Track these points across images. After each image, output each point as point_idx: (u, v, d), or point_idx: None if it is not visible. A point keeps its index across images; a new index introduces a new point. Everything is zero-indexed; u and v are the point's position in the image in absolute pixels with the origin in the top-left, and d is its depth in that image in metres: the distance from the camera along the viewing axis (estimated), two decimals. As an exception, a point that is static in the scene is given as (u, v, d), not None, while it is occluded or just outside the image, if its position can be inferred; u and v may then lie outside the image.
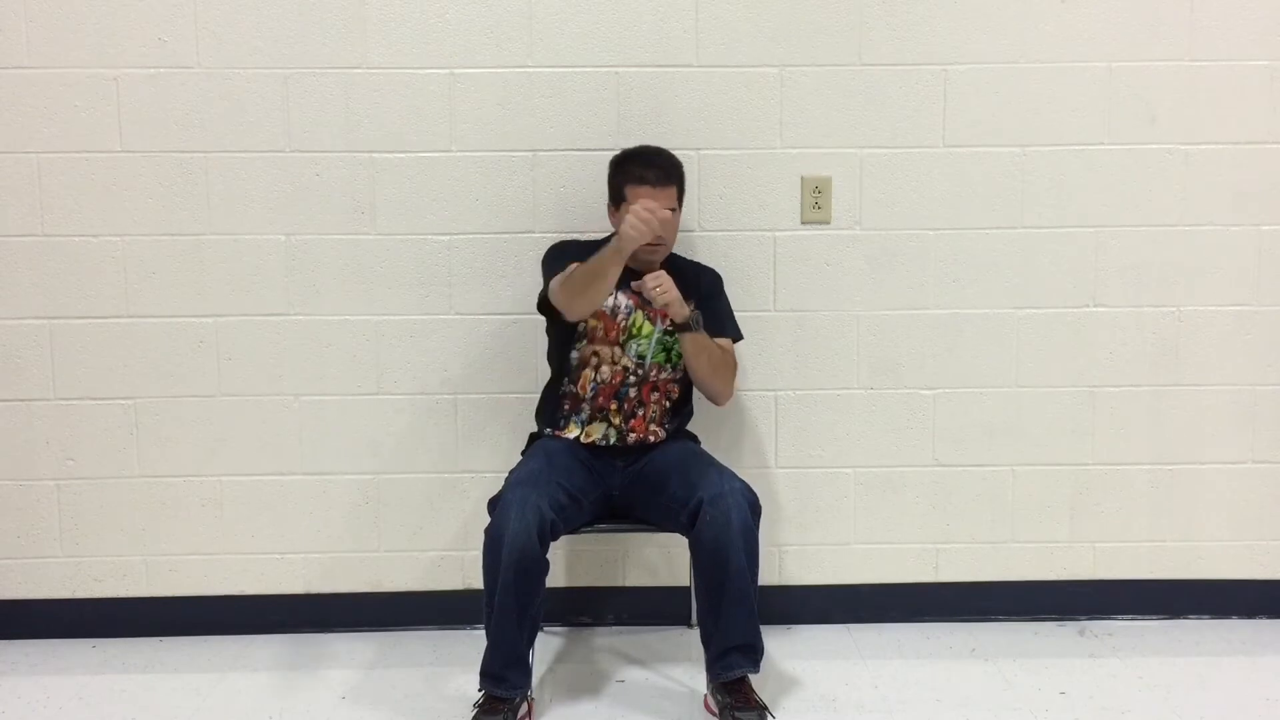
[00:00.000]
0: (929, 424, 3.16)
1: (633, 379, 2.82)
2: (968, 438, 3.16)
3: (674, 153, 2.86)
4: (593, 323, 2.81)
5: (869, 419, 3.16)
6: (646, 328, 2.81)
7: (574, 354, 2.84)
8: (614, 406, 2.82)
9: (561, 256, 2.80)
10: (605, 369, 2.82)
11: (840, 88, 3.05)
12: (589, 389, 2.82)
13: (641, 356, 2.81)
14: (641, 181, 2.74)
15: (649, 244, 2.64)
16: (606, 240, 2.66)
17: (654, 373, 2.83)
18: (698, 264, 2.99)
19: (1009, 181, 3.08)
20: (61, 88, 2.98)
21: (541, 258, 2.87)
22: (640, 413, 2.83)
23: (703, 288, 2.89)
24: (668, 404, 2.87)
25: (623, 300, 2.81)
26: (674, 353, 2.83)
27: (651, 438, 2.84)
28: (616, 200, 2.80)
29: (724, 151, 3.06)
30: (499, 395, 3.10)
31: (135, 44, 2.97)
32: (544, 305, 2.79)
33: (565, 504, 2.63)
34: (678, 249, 2.94)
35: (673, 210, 2.76)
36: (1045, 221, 3.10)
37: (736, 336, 2.92)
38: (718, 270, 2.98)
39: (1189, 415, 3.17)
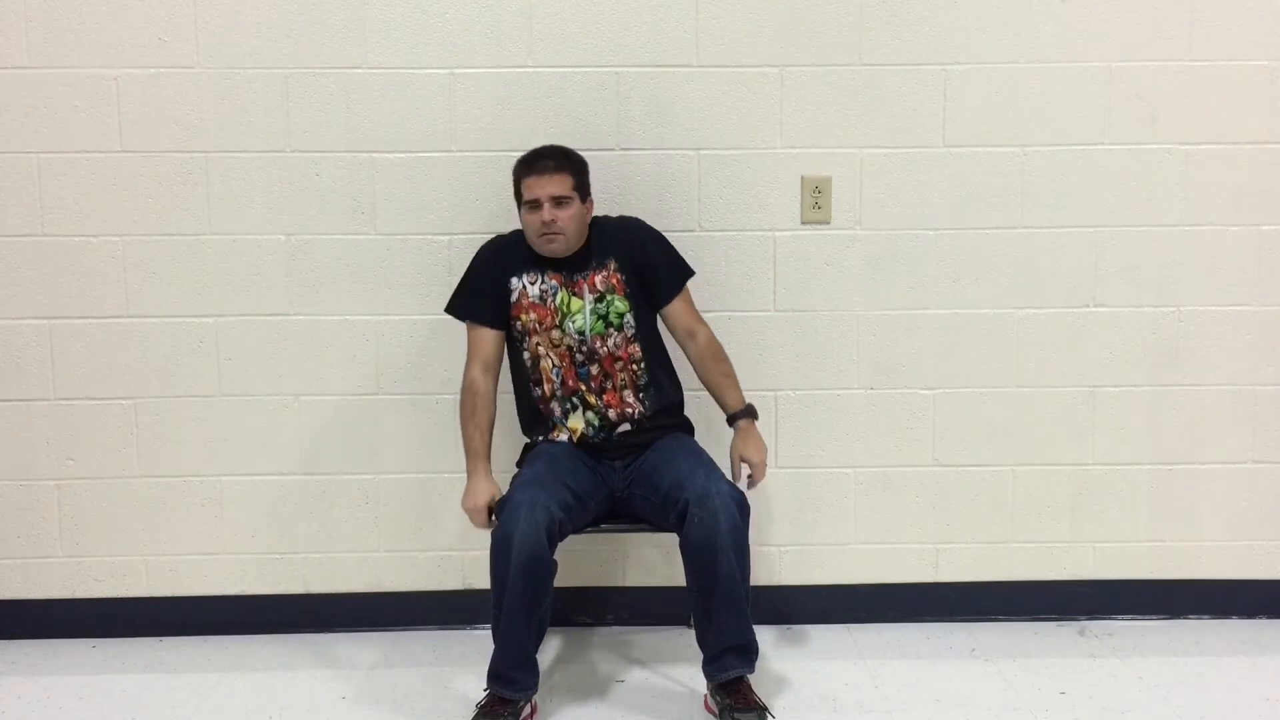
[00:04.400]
0: (929, 424, 3.16)
1: (580, 356, 2.79)
2: (968, 438, 3.16)
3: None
4: (526, 319, 2.79)
5: (869, 419, 3.16)
6: (575, 303, 2.77)
7: (525, 353, 2.82)
8: (584, 387, 2.79)
9: (474, 290, 2.82)
10: (554, 355, 2.79)
11: (840, 88, 3.05)
12: (554, 377, 2.80)
13: (581, 332, 2.77)
14: (530, 171, 2.73)
15: (545, 235, 2.70)
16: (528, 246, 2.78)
17: (598, 344, 2.78)
18: (623, 220, 2.90)
19: (1009, 181, 3.08)
20: (61, 88, 2.98)
21: (471, 261, 2.86)
22: (609, 384, 2.80)
23: (649, 249, 2.83)
24: (637, 372, 2.81)
25: (549, 282, 2.78)
26: (610, 317, 2.78)
27: (630, 409, 2.79)
28: (518, 198, 2.77)
29: (724, 151, 3.06)
30: (498, 395, 3.09)
31: (135, 44, 2.97)
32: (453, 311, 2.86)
33: (572, 504, 2.63)
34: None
35: (565, 199, 2.70)
36: (1045, 221, 3.10)
37: (691, 274, 2.88)
38: (643, 218, 2.91)
39: (1189, 415, 3.17)
